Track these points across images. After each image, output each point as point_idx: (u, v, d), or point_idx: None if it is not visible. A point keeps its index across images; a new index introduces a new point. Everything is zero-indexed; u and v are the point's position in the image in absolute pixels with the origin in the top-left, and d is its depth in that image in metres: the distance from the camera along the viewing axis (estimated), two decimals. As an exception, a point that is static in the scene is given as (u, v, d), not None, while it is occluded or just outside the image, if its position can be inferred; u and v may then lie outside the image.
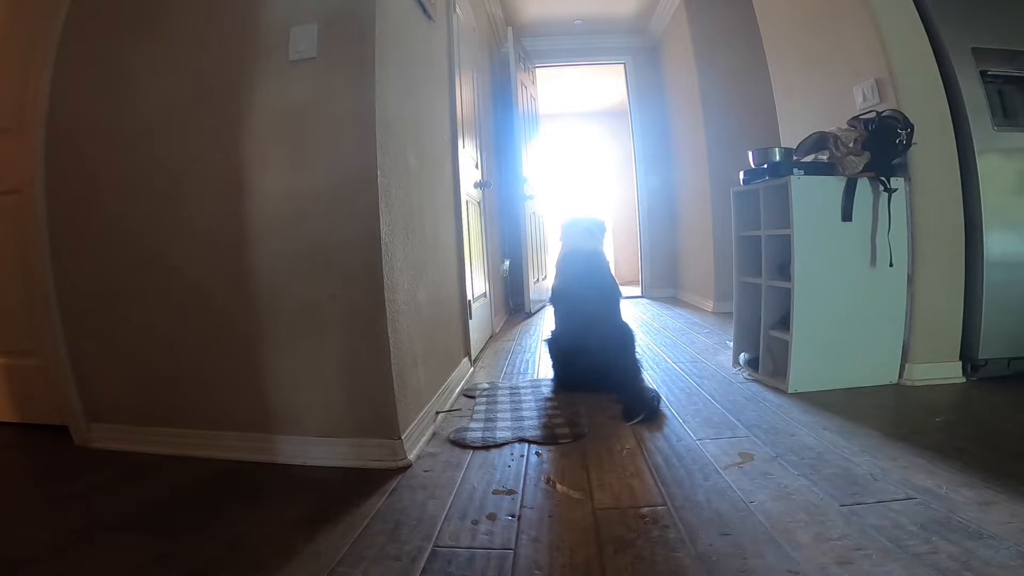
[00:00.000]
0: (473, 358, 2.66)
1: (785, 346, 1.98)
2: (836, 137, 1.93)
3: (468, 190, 2.84)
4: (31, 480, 1.46)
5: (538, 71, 5.16)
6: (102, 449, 1.61)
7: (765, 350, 2.13)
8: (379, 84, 1.43)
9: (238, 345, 1.52)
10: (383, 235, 1.41)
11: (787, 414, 1.72)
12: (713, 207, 3.99)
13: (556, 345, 2.20)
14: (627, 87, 5.32)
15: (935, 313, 1.96)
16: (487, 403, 1.98)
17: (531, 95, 4.92)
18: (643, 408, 1.75)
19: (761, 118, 3.27)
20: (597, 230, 2.39)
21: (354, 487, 1.31)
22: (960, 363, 1.97)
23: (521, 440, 1.60)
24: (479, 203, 3.26)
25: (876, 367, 1.97)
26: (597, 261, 2.26)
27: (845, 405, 1.77)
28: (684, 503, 1.17)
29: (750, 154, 2.15)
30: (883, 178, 1.89)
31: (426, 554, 1.01)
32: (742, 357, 2.28)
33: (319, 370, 1.47)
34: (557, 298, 2.26)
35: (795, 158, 2.05)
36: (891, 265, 1.90)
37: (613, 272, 2.30)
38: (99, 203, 1.60)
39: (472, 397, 2.08)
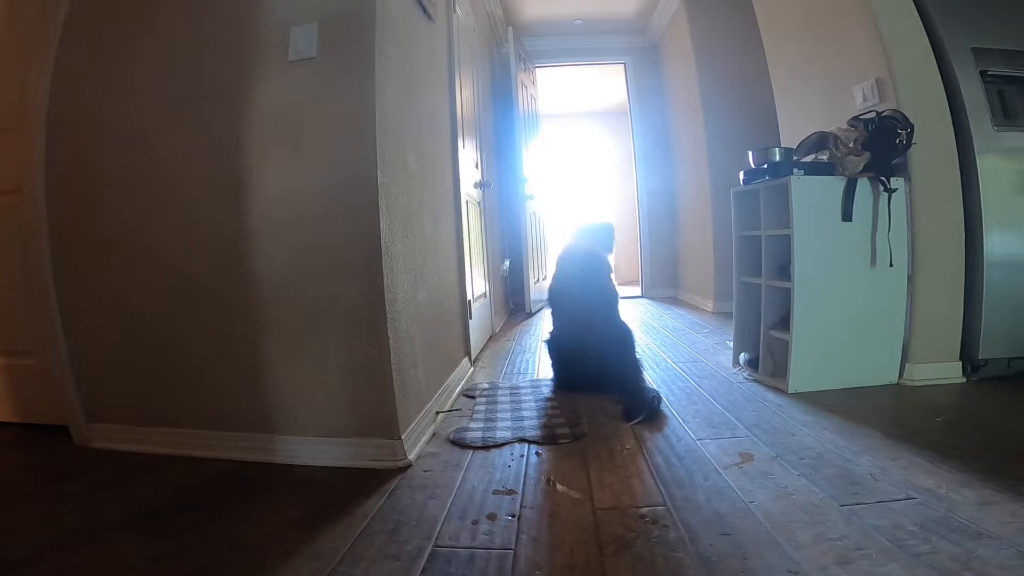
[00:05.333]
0: (473, 358, 2.65)
1: (785, 346, 1.98)
2: (836, 137, 1.93)
3: (468, 190, 2.84)
4: (31, 480, 1.45)
5: (538, 71, 5.16)
6: (102, 449, 1.61)
7: (765, 350, 2.13)
8: (379, 84, 1.43)
9: (238, 345, 1.52)
10: (383, 235, 1.41)
11: (787, 414, 1.72)
12: (713, 207, 3.99)
13: (555, 345, 2.20)
14: (627, 87, 5.32)
15: (935, 313, 1.96)
16: (487, 403, 1.98)
17: (531, 95, 4.92)
18: (643, 408, 1.75)
19: (761, 118, 3.26)
20: (603, 234, 2.41)
21: (354, 487, 1.31)
22: (960, 363, 1.97)
23: (521, 440, 1.60)
24: (479, 203, 3.26)
25: (876, 367, 1.97)
26: (593, 260, 2.26)
27: (845, 405, 1.77)
28: (684, 503, 1.17)
29: (750, 154, 2.15)
30: (883, 178, 1.89)
31: (426, 554, 1.01)
32: (742, 357, 2.28)
33: (319, 370, 1.47)
34: (552, 297, 2.27)
35: (795, 158, 2.05)
36: (891, 265, 1.91)
37: (613, 272, 2.30)
38: (99, 203, 1.60)
39: (472, 397, 2.08)
